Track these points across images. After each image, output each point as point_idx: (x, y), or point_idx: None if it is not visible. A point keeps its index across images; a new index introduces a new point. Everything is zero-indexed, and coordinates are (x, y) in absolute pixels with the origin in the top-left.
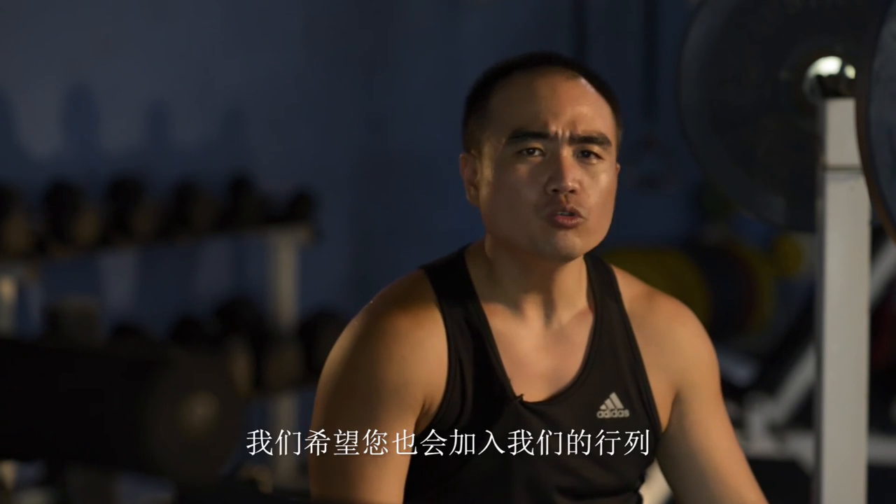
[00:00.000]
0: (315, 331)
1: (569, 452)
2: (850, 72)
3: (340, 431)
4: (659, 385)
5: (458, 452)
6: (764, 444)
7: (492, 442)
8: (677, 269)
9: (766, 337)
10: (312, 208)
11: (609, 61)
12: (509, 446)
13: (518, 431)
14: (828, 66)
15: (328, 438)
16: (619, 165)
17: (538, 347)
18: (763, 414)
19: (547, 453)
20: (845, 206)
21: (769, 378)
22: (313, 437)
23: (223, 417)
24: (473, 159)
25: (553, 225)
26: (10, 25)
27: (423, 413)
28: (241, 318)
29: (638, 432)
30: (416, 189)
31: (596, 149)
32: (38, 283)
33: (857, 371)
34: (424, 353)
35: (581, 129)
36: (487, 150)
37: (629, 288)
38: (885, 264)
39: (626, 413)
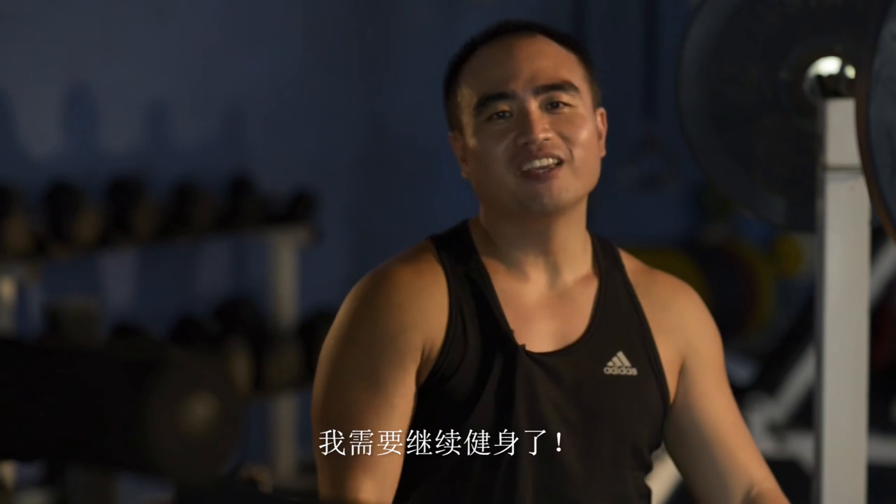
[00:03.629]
0: (315, 331)
1: (573, 407)
2: (850, 72)
3: (342, 381)
4: (666, 351)
5: (460, 401)
6: (764, 444)
7: (494, 390)
8: (677, 269)
9: (766, 337)
10: (312, 208)
11: (609, 61)
12: (512, 395)
13: (521, 380)
14: (828, 66)
15: (330, 389)
16: (603, 111)
17: (542, 307)
18: (763, 414)
19: (551, 404)
20: (845, 206)
21: (769, 378)
22: (316, 390)
23: (223, 417)
24: (459, 137)
25: (531, 178)
26: (10, 25)
27: (424, 360)
28: (241, 318)
29: (647, 391)
30: (416, 189)
31: (564, 97)
32: (38, 283)
33: (857, 371)
34: (423, 300)
35: (542, 81)
36: (466, 123)
37: (631, 262)
38: (885, 264)
39: (634, 371)
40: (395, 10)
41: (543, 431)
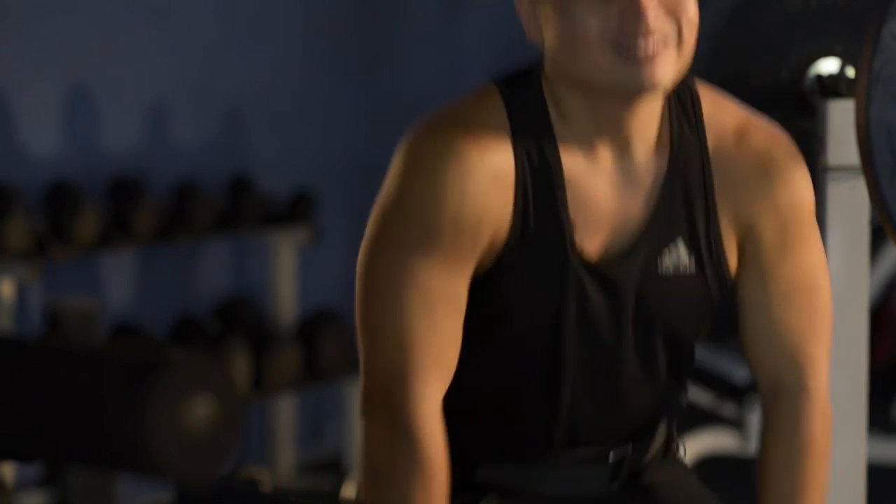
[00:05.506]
0: (315, 331)
1: (628, 308)
2: (850, 72)
3: (393, 263)
4: (728, 231)
5: (513, 297)
6: None
7: (547, 287)
8: None
9: None
10: (312, 208)
11: None
12: (565, 299)
13: (574, 285)
14: (828, 66)
15: (379, 270)
16: None
17: (606, 191)
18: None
19: (604, 307)
20: (845, 206)
21: None
22: (362, 268)
23: (223, 417)
24: None
25: (630, 60)
26: (10, 25)
27: (486, 253)
28: (241, 318)
29: (702, 285)
30: None
31: None
32: (38, 283)
33: (858, 371)
34: (494, 191)
35: None
36: None
37: (717, 117)
38: (885, 264)
39: (692, 263)
40: (395, 10)
41: (593, 335)
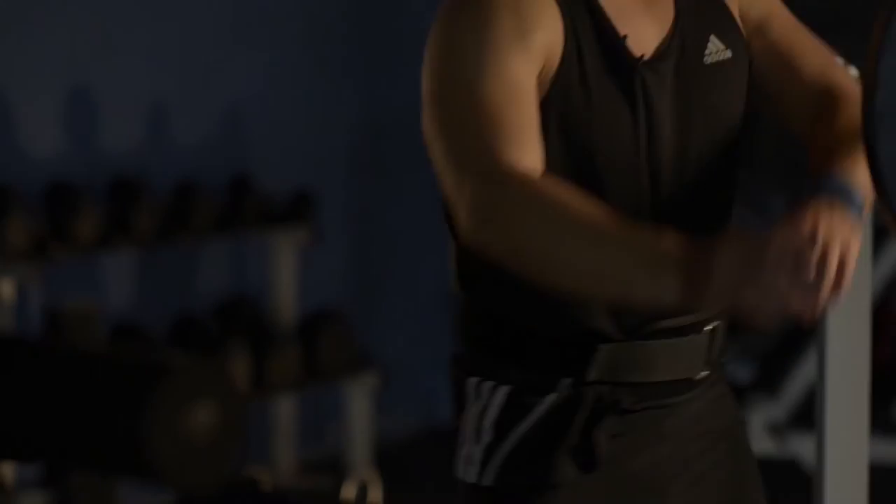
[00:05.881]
0: (315, 331)
1: (684, 107)
2: (853, 72)
3: (464, 58)
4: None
5: (579, 114)
6: (764, 444)
7: (614, 100)
8: None
9: (766, 337)
10: (312, 208)
11: None
12: (634, 105)
13: (639, 88)
14: None
15: (454, 67)
16: None
17: (636, 2)
18: (763, 414)
19: (665, 108)
20: None
21: (769, 378)
22: (432, 74)
23: (226, 425)
24: None
25: None
26: (10, 25)
27: (546, 71)
28: (241, 318)
29: (742, 68)
30: (415, 189)
31: None
32: (38, 283)
33: (859, 371)
34: (543, 5)
35: None
36: None
37: None
38: (886, 264)
39: (729, 53)
40: (395, 10)
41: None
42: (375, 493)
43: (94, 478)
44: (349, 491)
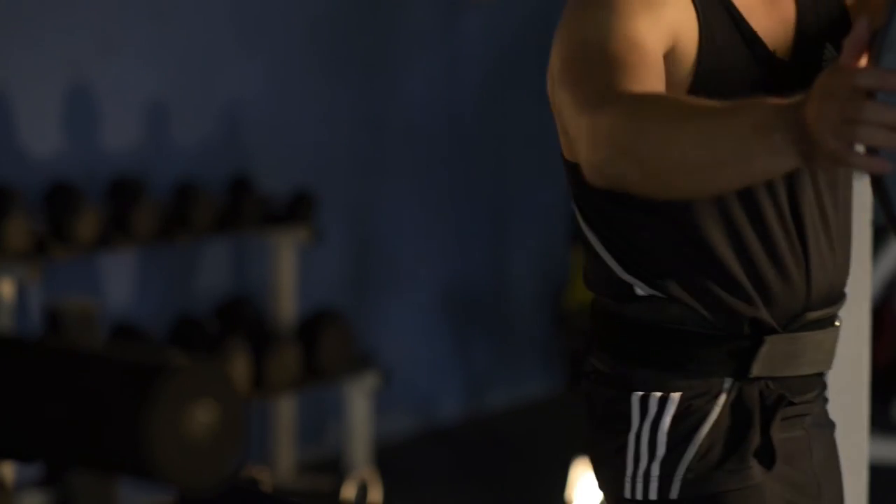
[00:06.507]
0: (315, 331)
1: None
2: None
3: (595, 24)
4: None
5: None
6: None
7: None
8: None
9: None
10: (312, 208)
11: None
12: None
13: (775, 85)
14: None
15: (587, 30)
16: None
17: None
18: None
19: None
20: None
21: None
22: (564, 49)
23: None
24: None
25: None
26: (10, 25)
27: (679, 57)
28: (241, 318)
29: None
30: (416, 189)
31: None
32: (38, 283)
33: (859, 371)
34: None
35: None
36: None
37: None
38: (886, 264)
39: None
40: (394, 11)
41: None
42: (375, 493)
43: (94, 478)
44: (349, 491)
